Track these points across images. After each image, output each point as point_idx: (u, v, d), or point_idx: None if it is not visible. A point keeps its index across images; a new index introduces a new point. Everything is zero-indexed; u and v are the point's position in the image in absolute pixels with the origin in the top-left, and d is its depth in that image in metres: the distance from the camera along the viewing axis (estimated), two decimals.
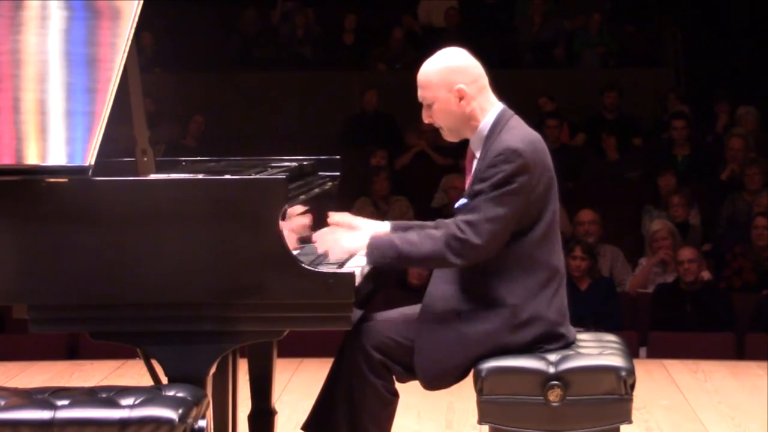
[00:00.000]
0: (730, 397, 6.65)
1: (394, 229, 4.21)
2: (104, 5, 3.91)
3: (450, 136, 4.16)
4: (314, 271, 3.72)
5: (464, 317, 4.02)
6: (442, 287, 4.10)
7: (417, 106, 4.16)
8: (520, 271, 4.01)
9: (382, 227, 4.21)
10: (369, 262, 4.01)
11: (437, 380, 4.06)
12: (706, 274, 8.78)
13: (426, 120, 4.14)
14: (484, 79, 4.11)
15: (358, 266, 3.99)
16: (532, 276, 4.02)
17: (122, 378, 6.97)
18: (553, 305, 4.04)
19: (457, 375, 4.06)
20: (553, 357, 4.01)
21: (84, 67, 3.83)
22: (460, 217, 3.98)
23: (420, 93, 4.09)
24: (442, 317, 4.04)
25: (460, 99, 4.05)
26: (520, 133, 4.04)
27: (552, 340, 4.05)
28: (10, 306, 3.90)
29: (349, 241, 4.02)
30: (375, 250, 3.97)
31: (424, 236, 3.98)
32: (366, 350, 4.03)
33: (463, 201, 4.06)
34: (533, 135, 4.08)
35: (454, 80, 4.05)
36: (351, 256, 4.09)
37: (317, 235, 4.09)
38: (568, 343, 4.11)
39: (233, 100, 12.76)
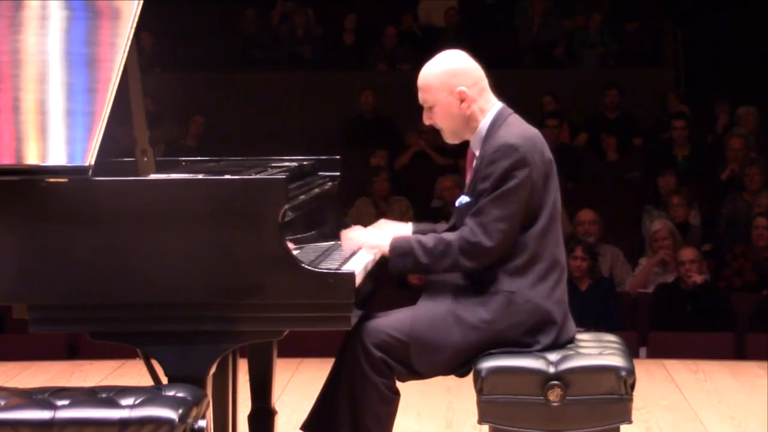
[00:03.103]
0: (730, 397, 6.65)
1: (415, 232, 4.26)
2: (104, 5, 3.91)
3: (451, 138, 4.20)
4: (314, 271, 3.72)
5: (461, 302, 4.05)
6: (442, 276, 4.12)
7: (417, 106, 4.17)
8: (521, 262, 4.04)
9: (404, 230, 4.28)
10: (391, 268, 4.10)
11: (431, 363, 4.06)
12: (699, 278, 8.75)
13: (427, 122, 4.17)
14: (485, 81, 4.14)
15: (358, 264, 3.99)
16: (533, 267, 4.05)
17: (122, 378, 6.96)
18: (552, 297, 4.06)
19: (452, 361, 4.06)
20: (553, 357, 4.01)
21: (84, 67, 3.83)
22: (470, 221, 4.01)
23: (421, 96, 4.12)
24: (440, 302, 4.07)
25: (461, 101, 4.08)
26: (517, 129, 4.08)
27: (548, 330, 4.05)
28: (10, 306, 3.91)
29: (372, 237, 4.15)
30: (395, 258, 4.06)
31: (439, 242, 4.03)
32: (367, 349, 4.04)
33: (465, 199, 4.09)
34: (531, 130, 4.11)
35: (454, 83, 4.08)
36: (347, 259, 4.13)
37: (343, 234, 4.21)
38: (567, 337, 4.12)
39: (233, 100, 12.76)
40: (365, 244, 4.17)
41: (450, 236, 4.05)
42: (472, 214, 4.03)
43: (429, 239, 4.06)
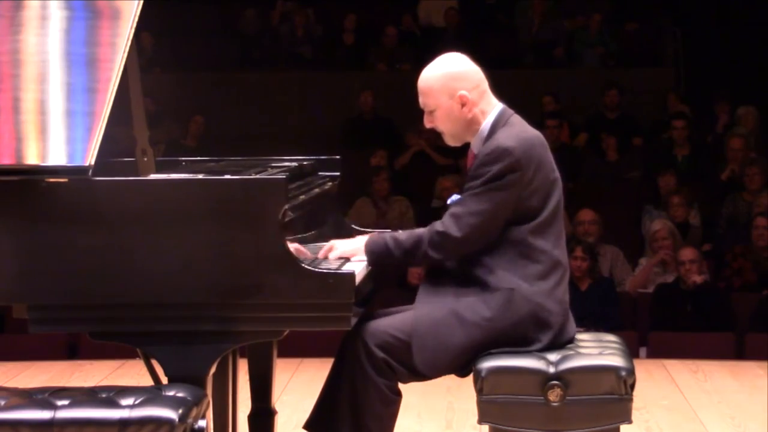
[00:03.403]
0: (730, 397, 6.65)
1: None
2: (104, 5, 3.91)
3: (452, 141, 4.20)
4: (314, 271, 3.72)
5: (461, 300, 4.05)
6: (441, 273, 4.13)
7: (417, 106, 4.17)
8: (519, 259, 4.04)
9: None
10: (369, 264, 4.08)
11: (434, 363, 4.05)
12: (699, 278, 8.75)
13: (428, 125, 4.17)
14: (485, 84, 4.14)
15: (358, 265, 3.99)
16: (532, 265, 4.04)
17: (122, 378, 6.96)
18: (552, 296, 4.06)
19: (454, 361, 4.06)
20: (553, 357, 4.01)
21: (84, 67, 3.83)
22: (446, 212, 4.04)
23: (421, 100, 4.11)
24: (439, 300, 4.07)
25: (462, 105, 4.08)
26: (515, 131, 4.07)
27: (549, 329, 4.05)
28: (10, 306, 3.91)
29: (345, 246, 4.11)
30: (370, 254, 4.07)
31: (410, 235, 4.06)
32: (369, 349, 4.04)
33: (455, 197, 4.10)
34: (530, 132, 4.10)
35: (455, 87, 4.07)
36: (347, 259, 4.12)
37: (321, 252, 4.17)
38: (567, 337, 4.12)
39: (233, 100, 12.76)
40: (342, 252, 4.10)
41: (422, 229, 4.07)
42: (451, 206, 4.06)
43: (403, 234, 4.08)
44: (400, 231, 4.16)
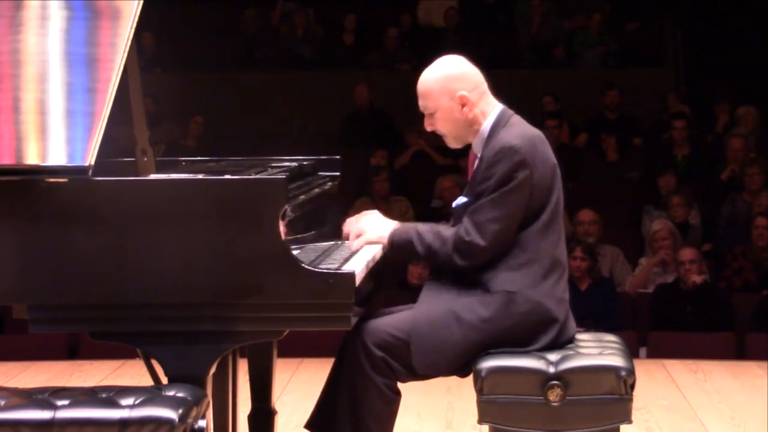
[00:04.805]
0: (730, 397, 6.65)
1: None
2: (104, 5, 3.91)
3: (454, 143, 4.21)
4: (314, 271, 3.72)
5: (461, 301, 4.05)
6: (443, 273, 4.14)
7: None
8: (522, 260, 4.05)
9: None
10: (388, 254, 4.17)
11: (431, 363, 4.06)
12: (698, 278, 8.75)
13: (428, 128, 4.18)
14: (484, 85, 4.16)
15: (358, 264, 3.99)
16: (533, 265, 4.05)
17: (122, 378, 6.97)
18: (552, 296, 4.07)
19: (453, 362, 4.06)
20: (553, 357, 4.01)
21: (84, 67, 3.83)
22: (467, 219, 4.03)
23: (421, 103, 4.12)
24: (440, 301, 4.08)
25: (463, 106, 4.09)
26: (519, 130, 4.08)
27: (549, 329, 4.06)
28: (10, 306, 3.91)
29: (375, 232, 4.16)
30: (395, 246, 4.13)
31: (436, 237, 4.07)
32: (368, 348, 4.04)
33: (463, 200, 4.11)
34: (532, 131, 4.12)
35: (455, 88, 4.08)
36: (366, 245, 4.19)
37: (349, 221, 4.25)
38: (567, 336, 4.12)
39: (233, 100, 12.76)
40: (368, 239, 4.17)
41: (447, 232, 4.07)
42: (469, 212, 4.05)
43: (428, 232, 4.09)
44: (422, 225, 4.17)
